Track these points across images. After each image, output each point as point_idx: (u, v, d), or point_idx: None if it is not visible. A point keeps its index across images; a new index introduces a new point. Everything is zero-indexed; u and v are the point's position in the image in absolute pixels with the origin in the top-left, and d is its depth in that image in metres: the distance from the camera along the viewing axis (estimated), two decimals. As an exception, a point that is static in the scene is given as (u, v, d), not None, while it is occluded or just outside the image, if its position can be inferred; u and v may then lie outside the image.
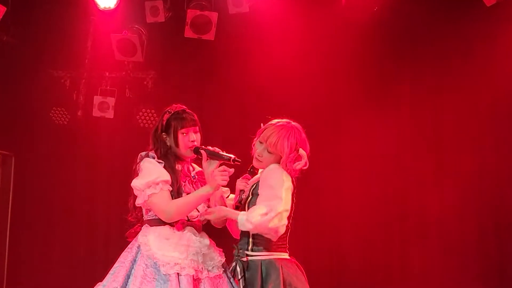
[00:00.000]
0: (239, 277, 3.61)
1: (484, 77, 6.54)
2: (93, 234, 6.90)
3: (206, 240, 3.79)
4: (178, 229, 3.72)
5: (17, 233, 7.04)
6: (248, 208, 3.65)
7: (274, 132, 3.68)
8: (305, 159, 3.67)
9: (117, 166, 6.68)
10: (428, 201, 6.58)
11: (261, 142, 3.71)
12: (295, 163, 3.65)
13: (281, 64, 6.72)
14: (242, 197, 3.73)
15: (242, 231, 3.67)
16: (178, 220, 3.73)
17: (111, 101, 6.83)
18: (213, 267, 3.71)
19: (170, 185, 3.72)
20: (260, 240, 3.63)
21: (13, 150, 7.13)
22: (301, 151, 3.68)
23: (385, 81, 6.76)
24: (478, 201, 6.50)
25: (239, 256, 3.66)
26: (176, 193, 3.75)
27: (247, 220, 3.51)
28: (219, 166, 3.73)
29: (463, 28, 6.56)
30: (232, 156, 3.72)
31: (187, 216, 3.77)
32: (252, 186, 3.75)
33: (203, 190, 3.73)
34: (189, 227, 3.76)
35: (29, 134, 7.09)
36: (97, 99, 6.85)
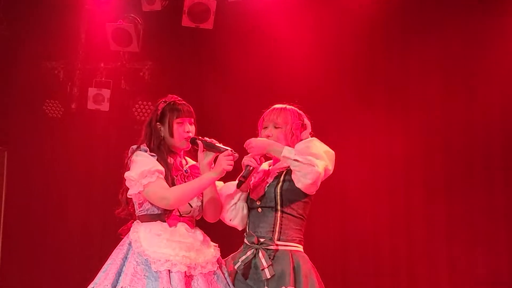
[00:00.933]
0: (265, 265, 3.53)
1: (497, 76, 6.47)
2: (89, 228, 6.82)
3: (200, 236, 3.71)
4: (170, 225, 3.65)
5: (10, 228, 6.97)
6: (278, 197, 3.67)
7: (275, 109, 3.79)
8: (310, 128, 3.79)
9: (113, 160, 6.48)
10: (435, 199, 6.49)
11: (266, 127, 3.77)
12: (302, 131, 3.75)
13: (282, 53, 6.63)
14: (248, 170, 3.65)
15: (263, 219, 3.64)
16: (170, 216, 3.66)
17: (106, 93, 6.76)
18: (207, 263, 3.63)
19: (164, 178, 3.64)
20: (289, 231, 3.63)
21: (6, 144, 7.06)
22: (306, 120, 3.80)
23: (392, 73, 6.67)
24: (487, 199, 6.41)
25: (264, 244, 3.59)
26: (169, 186, 3.67)
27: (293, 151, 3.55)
28: (215, 158, 3.70)
29: (475, 22, 6.49)
30: (229, 148, 3.67)
31: (179, 212, 3.69)
32: (281, 172, 3.72)
33: (207, 176, 3.67)
34: (181, 222, 3.69)
35: (22, 128, 7.02)
36: (91, 91, 6.78)
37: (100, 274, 3.62)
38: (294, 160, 3.55)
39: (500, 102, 6.45)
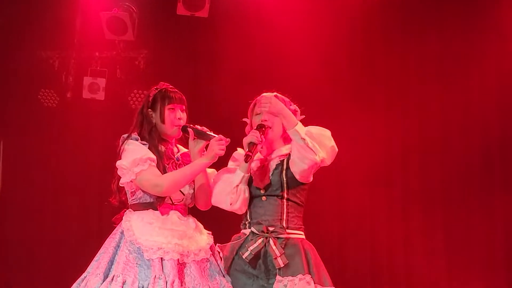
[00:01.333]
0: (278, 254, 3.50)
1: (494, 71, 6.51)
2: (86, 218, 6.80)
3: (192, 223, 3.72)
4: (162, 213, 3.65)
5: (6, 219, 6.94)
6: (284, 184, 3.65)
7: (266, 97, 3.76)
8: (299, 114, 3.79)
9: (109, 149, 6.49)
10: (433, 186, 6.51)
11: (258, 114, 3.75)
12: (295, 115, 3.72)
13: (279, 42, 6.60)
14: (253, 146, 3.62)
15: (269, 207, 3.62)
16: (163, 204, 3.66)
17: (101, 82, 6.75)
18: (199, 251, 3.63)
19: (156, 165, 3.64)
20: (295, 219, 3.63)
21: (1, 134, 7.03)
22: (295, 106, 3.81)
23: (391, 70, 6.70)
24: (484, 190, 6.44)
25: (275, 232, 3.56)
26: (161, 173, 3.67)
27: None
28: (206, 146, 3.70)
29: (473, 21, 6.53)
30: (219, 136, 3.67)
31: (171, 200, 3.69)
32: (283, 159, 3.71)
33: (199, 162, 3.67)
34: (173, 210, 3.68)
35: (17, 118, 7.00)
36: (87, 80, 6.76)
37: (93, 263, 3.63)
38: (302, 138, 3.52)
39: (497, 100, 6.48)
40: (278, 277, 3.49)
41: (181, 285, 3.50)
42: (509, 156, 6.53)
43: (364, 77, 6.69)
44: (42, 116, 6.91)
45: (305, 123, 3.73)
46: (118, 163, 3.67)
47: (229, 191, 3.66)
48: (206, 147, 3.71)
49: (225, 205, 3.68)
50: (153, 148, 3.69)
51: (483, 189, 6.52)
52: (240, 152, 3.77)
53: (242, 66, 6.66)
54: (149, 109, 3.77)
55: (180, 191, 3.71)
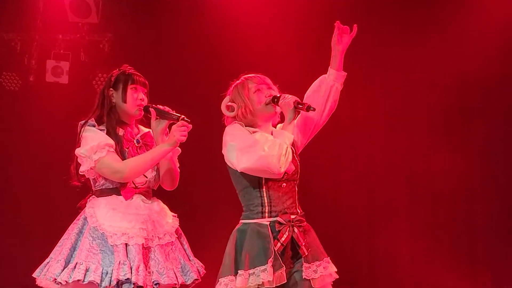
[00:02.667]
0: (303, 242, 3.45)
1: (455, 53, 6.60)
2: (49, 204, 6.73)
3: (157, 206, 3.73)
4: (126, 198, 3.65)
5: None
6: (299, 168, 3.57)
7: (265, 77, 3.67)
8: None
9: (72, 133, 6.43)
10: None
11: (271, 88, 3.62)
12: None
13: (246, 22, 6.57)
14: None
15: (288, 194, 3.51)
16: (125, 189, 3.67)
17: (65, 65, 6.69)
18: (164, 234, 3.65)
19: (115, 151, 3.64)
20: (298, 203, 3.55)
21: (-39, 119, 6.88)
22: None
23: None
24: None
25: (298, 221, 3.48)
26: (121, 159, 3.67)
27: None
28: (168, 126, 3.70)
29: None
30: (181, 115, 3.66)
31: (134, 184, 3.69)
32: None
33: (161, 148, 3.65)
34: (137, 194, 3.69)
35: (-22, 101, 6.83)
36: (50, 63, 6.69)
37: (56, 249, 3.65)
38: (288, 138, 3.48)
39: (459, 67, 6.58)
40: (305, 264, 3.44)
41: (146, 270, 3.48)
42: (469, 120, 6.62)
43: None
44: (4, 100, 6.81)
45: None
46: (76, 151, 3.67)
47: (280, 154, 3.39)
48: (169, 127, 3.70)
49: (274, 170, 3.38)
50: (111, 132, 3.68)
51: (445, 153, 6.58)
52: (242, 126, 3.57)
53: (207, 47, 6.64)
54: (111, 89, 3.76)
55: (143, 174, 3.71)
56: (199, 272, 3.72)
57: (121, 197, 3.66)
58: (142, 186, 3.72)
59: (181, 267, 3.65)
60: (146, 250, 3.56)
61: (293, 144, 3.54)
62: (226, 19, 6.62)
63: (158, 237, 3.62)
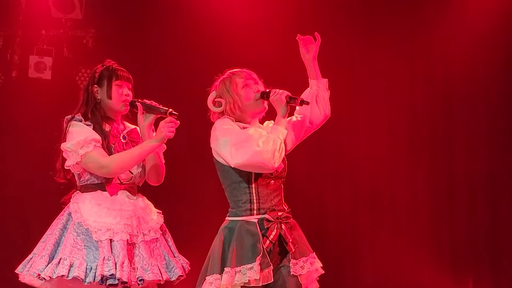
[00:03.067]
0: (290, 239, 3.45)
1: (438, 44, 6.65)
2: (30, 200, 6.67)
3: (142, 203, 3.74)
4: (111, 194, 3.65)
5: None
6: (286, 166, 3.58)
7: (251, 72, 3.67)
8: None
9: (55, 129, 6.40)
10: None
11: (247, 85, 3.59)
12: None
13: (231, 16, 6.57)
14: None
15: (276, 191, 3.51)
16: (111, 184, 3.67)
17: (48, 61, 6.64)
18: (149, 231, 3.65)
19: (101, 146, 3.64)
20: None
21: None
22: None
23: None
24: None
25: (285, 218, 3.49)
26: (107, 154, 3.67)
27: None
28: (154, 120, 3.71)
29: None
30: (169, 109, 3.66)
31: (119, 179, 3.69)
32: None
33: (148, 143, 3.65)
34: (122, 190, 3.69)
35: (-41, 97, 6.77)
36: (33, 59, 6.64)
37: (39, 244, 3.65)
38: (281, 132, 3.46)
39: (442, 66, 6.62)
40: (292, 261, 3.45)
41: (130, 266, 3.47)
42: (452, 124, 6.67)
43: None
44: (-14, 95, 6.77)
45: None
46: (62, 145, 3.67)
47: (274, 149, 3.37)
48: (156, 121, 3.70)
49: (269, 166, 3.37)
50: (97, 129, 3.67)
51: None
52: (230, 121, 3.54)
53: (192, 43, 6.62)
54: (95, 85, 3.75)
55: (129, 170, 3.70)
56: (183, 269, 3.73)
57: (106, 193, 3.66)
58: (127, 182, 3.72)
59: (166, 263, 3.66)
60: (130, 246, 3.57)
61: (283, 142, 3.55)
62: (211, 14, 6.61)
63: (143, 233, 3.63)
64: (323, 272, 3.53)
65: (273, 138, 3.38)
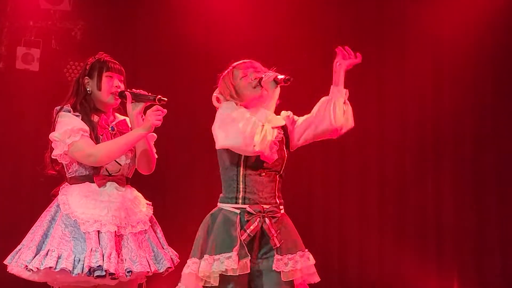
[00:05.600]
0: (274, 233, 3.44)
1: (428, 41, 6.68)
2: (19, 192, 6.65)
3: (130, 194, 3.75)
4: (99, 185, 3.66)
5: None
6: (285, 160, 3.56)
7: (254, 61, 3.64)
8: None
9: (42, 121, 6.37)
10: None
11: (259, 71, 3.58)
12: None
13: (228, 12, 6.58)
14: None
15: (266, 184, 3.49)
16: (99, 176, 3.68)
17: (36, 52, 6.62)
18: (138, 222, 3.67)
19: (89, 136, 3.66)
20: (281, 194, 3.55)
21: None
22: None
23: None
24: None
25: (271, 212, 3.47)
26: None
27: None
28: (144, 108, 3.73)
29: None
30: (157, 95, 3.68)
31: (108, 171, 3.70)
32: (280, 131, 3.59)
33: (135, 132, 3.67)
34: (110, 182, 3.70)
35: None
36: (20, 50, 6.62)
37: (28, 236, 3.66)
38: (344, 103, 3.52)
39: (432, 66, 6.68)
40: (277, 256, 3.44)
41: (118, 257, 3.46)
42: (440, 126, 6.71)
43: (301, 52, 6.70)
44: (-27, 86, 6.73)
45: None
46: (50, 135, 3.67)
47: (254, 132, 3.37)
48: (145, 110, 3.71)
49: (248, 149, 3.37)
50: (85, 118, 3.69)
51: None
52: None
53: (184, 37, 6.60)
54: (86, 77, 3.76)
55: (117, 162, 3.72)
56: (172, 261, 3.76)
57: (94, 185, 3.66)
58: (116, 174, 3.73)
59: (154, 255, 3.68)
60: (118, 238, 3.58)
61: (285, 134, 3.56)
62: (203, 5, 6.62)
63: (131, 225, 3.64)
64: (314, 271, 3.49)
65: (254, 121, 3.39)
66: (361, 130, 6.67)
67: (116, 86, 3.75)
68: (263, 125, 3.40)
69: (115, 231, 3.56)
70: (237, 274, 3.35)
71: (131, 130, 3.75)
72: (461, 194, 6.62)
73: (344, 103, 3.53)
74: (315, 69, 6.59)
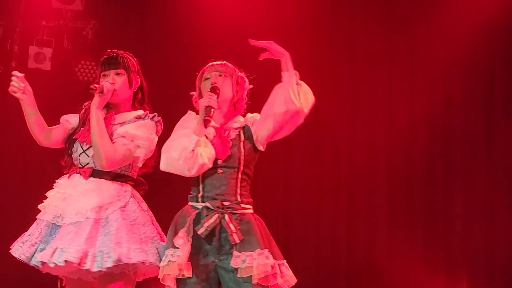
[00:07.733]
0: (234, 230, 3.43)
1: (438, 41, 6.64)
2: (27, 190, 6.63)
3: (85, 186, 3.72)
4: (68, 177, 3.82)
5: None
6: (242, 157, 3.55)
7: (216, 63, 3.68)
8: (248, 81, 3.71)
9: (54, 119, 6.40)
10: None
11: (207, 78, 3.62)
12: (245, 83, 3.68)
13: (234, 10, 6.58)
14: (209, 110, 3.48)
15: (224, 181, 3.51)
16: (71, 167, 3.83)
17: (48, 52, 6.70)
18: (76, 214, 3.63)
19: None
20: (246, 193, 3.57)
21: None
22: (242, 73, 3.71)
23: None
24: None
25: (230, 208, 3.48)
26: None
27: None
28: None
29: None
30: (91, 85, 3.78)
31: (80, 163, 3.80)
32: (240, 130, 3.60)
33: (92, 113, 3.76)
34: (76, 174, 3.79)
35: (-40, 86, 6.74)
36: (32, 49, 6.71)
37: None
38: (296, 84, 3.48)
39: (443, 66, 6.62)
40: (235, 253, 3.42)
41: (45, 245, 3.58)
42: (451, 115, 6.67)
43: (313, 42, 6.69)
44: (-14, 85, 6.76)
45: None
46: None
47: (185, 157, 3.44)
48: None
49: (182, 172, 3.48)
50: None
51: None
52: (192, 116, 3.63)
53: (195, 35, 6.62)
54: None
55: (86, 154, 3.76)
56: (111, 258, 3.57)
57: (65, 176, 3.82)
58: (86, 166, 3.77)
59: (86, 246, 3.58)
60: (54, 227, 3.66)
61: (246, 132, 3.56)
62: (214, 6, 6.62)
63: (69, 216, 3.63)
64: (270, 270, 3.40)
65: (183, 147, 3.44)
66: (370, 128, 6.69)
67: (111, 83, 3.78)
68: (192, 149, 3.43)
69: (49, 219, 3.67)
70: (185, 262, 3.39)
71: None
72: (471, 195, 6.59)
73: (297, 84, 3.50)
74: (323, 70, 6.62)
